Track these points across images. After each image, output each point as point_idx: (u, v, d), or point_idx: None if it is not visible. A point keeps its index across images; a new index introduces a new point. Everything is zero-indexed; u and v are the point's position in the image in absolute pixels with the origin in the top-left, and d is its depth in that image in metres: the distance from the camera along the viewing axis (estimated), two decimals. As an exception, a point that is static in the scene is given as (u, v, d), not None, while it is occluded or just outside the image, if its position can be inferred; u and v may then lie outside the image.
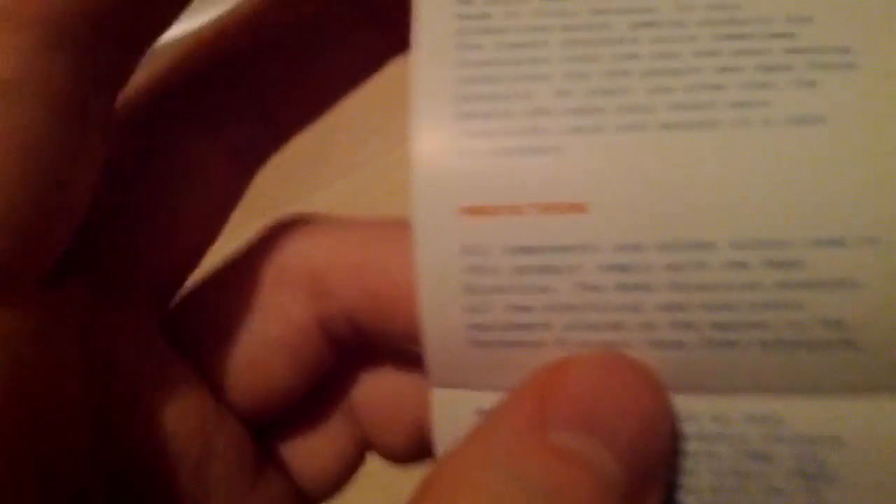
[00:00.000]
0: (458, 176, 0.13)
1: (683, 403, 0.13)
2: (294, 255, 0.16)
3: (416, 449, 0.17)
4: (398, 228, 0.15)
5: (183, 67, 0.16)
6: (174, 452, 0.15)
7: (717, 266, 0.13)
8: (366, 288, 0.15)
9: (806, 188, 0.12)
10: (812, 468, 0.13)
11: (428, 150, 0.13)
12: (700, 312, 0.13)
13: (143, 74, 0.15)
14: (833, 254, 0.12)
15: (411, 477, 0.14)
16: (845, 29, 0.13)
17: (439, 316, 0.13)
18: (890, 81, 0.12)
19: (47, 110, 0.12)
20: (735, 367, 0.13)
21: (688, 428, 0.13)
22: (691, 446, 0.13)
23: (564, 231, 0.13)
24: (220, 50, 0.16)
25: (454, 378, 0.14)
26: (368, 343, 0.16)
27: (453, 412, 0.14)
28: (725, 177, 0.12)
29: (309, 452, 0.17)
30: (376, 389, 0.17)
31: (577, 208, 0.13)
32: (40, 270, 0.13)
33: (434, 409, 0.14)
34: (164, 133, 0.15)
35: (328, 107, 0.17)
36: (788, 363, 0.13)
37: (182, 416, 0.15)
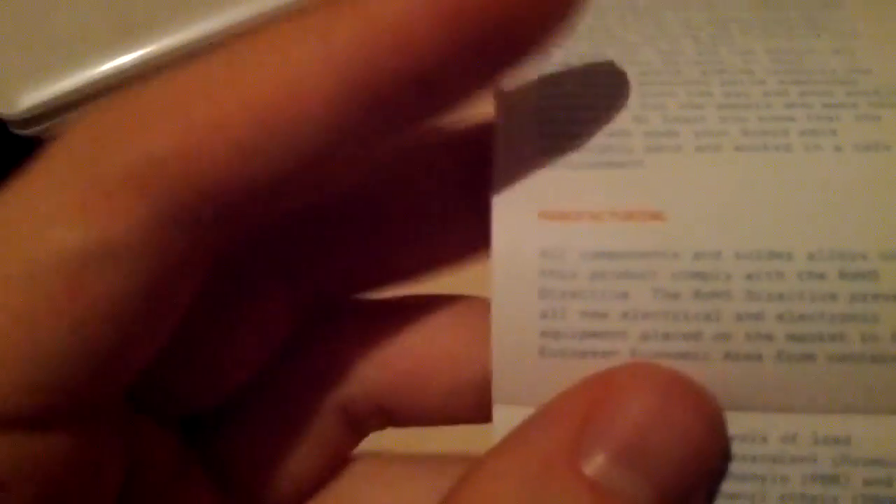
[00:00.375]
0: (538, 181, 0.13)
1: (754, 423, 0.13)
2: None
3: None
4: (414, 305, 0.16)
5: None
6: None
7: (793, 276, 0.13)
8: (394, 372, 0.15)
9: (877, 204, 0.13)
10: (884, 492, 0.13)
11: (509, 158, 0.13)
12: (776, 324, 0.13)
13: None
14: None
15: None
16: None
17: (511, 322, 0.13)
18: None
19: (144, 283, 0.12)
20: (809, 383, 0.13)
21: (757, 450, 0.13)
22: (760, 469, 0.13)
23: (643, 237, 0.13)
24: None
25: (519, 392, 0.13)
26: (393, 422, 0.16)
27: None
28: (800, 191, 0.13)
29: None
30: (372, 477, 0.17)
31: (656, 217, 0.13)
32: (92, 405, 0.13)
33: (496, 426, 0.14)
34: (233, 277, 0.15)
35: (407, 280, 0.16)
36: (863, 379, 0.13)
37: None
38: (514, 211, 0.13)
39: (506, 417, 0.13)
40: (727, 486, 0.13)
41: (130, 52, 0.34)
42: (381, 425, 0.16)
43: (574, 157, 0.13)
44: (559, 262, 0.13)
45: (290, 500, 0.16)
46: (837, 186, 0.13)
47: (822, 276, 0.13)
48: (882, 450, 0.13)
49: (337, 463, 0.16)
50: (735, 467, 0.13)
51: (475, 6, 0.11)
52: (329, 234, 0.16)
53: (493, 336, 0.13)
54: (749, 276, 0.13)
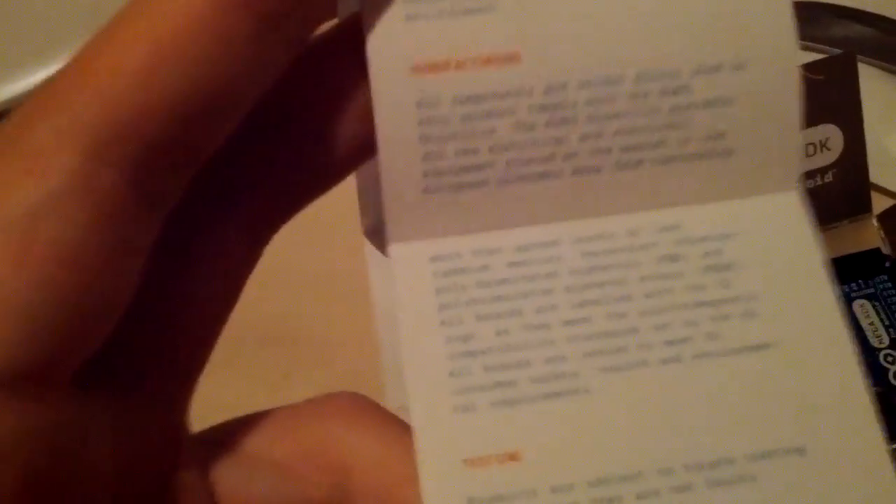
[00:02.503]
0: (405, 37, 0.15)
1: (602, 225, 0.16)
2: (335, 440, 0.16)
3: None
4: None
5: None
6: None
7: (624, 97, 0.15)
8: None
9: (684, 23, 0.15)
10: (716, 261, 0.16)
11: (375, 18, 0.15)
12: (612, 139, 0.15)
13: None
14: (712, 78, 0.15)
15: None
16: None
17: (397, 167, 0.15)
18: None
19: (90, 222, 0.13)
20: (642, 185, 0.16)
21: (611, 244, 0.16)
22: (615, 259, 0.16)
23: (502, 79, 0.15)
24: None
25: (409, 229, 0.16)
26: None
27: (410, 262, 0.16)
28: (623, 16, 0.15)
29: None
30: None
31: (512, 58, 0.15)
32: (74, 369, 0.13)
33: (393, 262, 0.16)
34: (177, 218, 0.15)
35: (341, 178, 0.16)
36: (683, 175, 0.16)
37: None
38: (389, 69, 0.15)
39: (400, 253, 0.16)
40: (593, 278, 0.16)
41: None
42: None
43: (434, 7, 0.15)
44: (434, 110, 0.15)
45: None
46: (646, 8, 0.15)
47: (646, 95, 0.15)
48: (707, 229, 0.16)
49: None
50: (596, 261, 0.16)
51: None
52: (260, 147, 0.16)
53: (383, 183, 0.15)
54: (589, 102, 0.15)
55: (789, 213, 0.16)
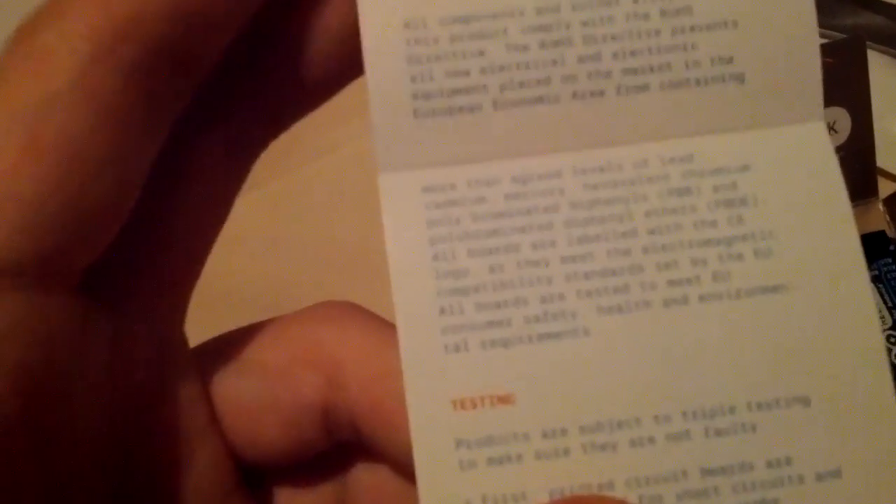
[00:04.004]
0: None
1: (608, 155, 0.15)
2: (326, 341, 0.16)
3: None
4: None
5: None
6: (159, 450, 0.16)
7: (622, 18, 0.15)
8: (373, 401, 0.16)
9: None
10: (730, 195, 0.15)
11: None
12: (612, 61, 0.15)
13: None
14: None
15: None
16: None
17: (386, 90, 0.15)
18: None
19: (94, 120, 0.13)
20: (648, 112, 0.15)
21: (615, 176, 0.15)
22: (621, 192, 0.15)
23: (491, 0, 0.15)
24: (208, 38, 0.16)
25: (400, 157, 0.15)
26: (366, 445, 0.17)
27: (400, 193, 0.15)
28: None
29: None
30: (371, 483, 0.17)
31: None
32: (81, 266, 0.14)
33: (382, 193, 0.15)
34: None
35: (327, 96, 0.16)
36: (693, 102, 0.15)
37: (176, 419, 0.16)
38: None
39: (390, 183, 0.15)
40: (595, 212, 0.15)
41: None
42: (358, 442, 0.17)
43: None
44: (422, 31, 0.15)
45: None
46: None
47: (646, 16, 0.15)
48: (721, 160, 0.15)
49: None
50: (599, 194, 0.15)
51: None
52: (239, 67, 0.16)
53: (371, 106, 0.15)
54: (584, 23, 0.15)
55: (812, 145, 0.15)
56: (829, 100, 0.46)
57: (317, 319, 0.16)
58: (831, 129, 0.41)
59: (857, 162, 0.42)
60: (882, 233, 0.41)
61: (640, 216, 0.15)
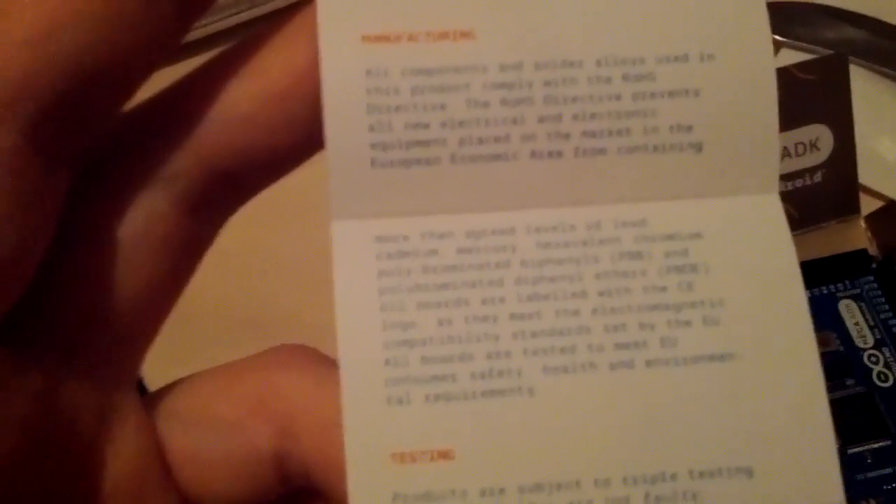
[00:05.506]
0: (358, 6, 0.14)
1: (562, 216, 0.15)
2: (278, 389, 0.16)
3: None
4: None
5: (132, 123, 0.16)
6: None
7: (584, 81, 0.15)
8: (323, 450, 0.15)
9: (651, 9, 0.15)
10: (681, 262, 0.15)
11: None
12: (572, 123, 0.15)
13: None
14: (678, 68, 0.15)
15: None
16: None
17: (343, 137, 0.14)
18: None
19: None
20: (604, 175, 0.15)
21: (568, 237, 0.15)
22: (572, 252, 0.15)
23: (455, 54, 0.14)
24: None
25: (355, 206, 0.15)
26: (320, 493, 0.16)
27: (353, 241, 0.15)
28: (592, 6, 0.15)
29: None
30: None
31: (466, 35, 0.14)
32: None
33: (334, 241, 0.15)
34: (108, 189, 0.15)
35: (291, 168, 0.16)
36: (650, 168, 0.15)
37: (126, 479, 0.15)
38: (339, 36, 0.14)
39: (343, 231, 0.15)
40: (546, 271, 0.15)
41: None
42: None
43: None
44: (383, 80, 0.14)
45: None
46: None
47: (608, 80, 0.15)
48: (674, 227, 0.15)
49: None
50: (551, 253, 0.15)
51: None
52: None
53: (328, 153, 0.15)
54: (547, 83, 0.15)
55: (765, 216, 0.15)
56: (812, 117, 0.46)
57: (269, 366, 0.16)
58: (813, 146, 0.41)
59: (839, 179, 0.42)
60: (864, 251, 0.41)
61: (590, 277, 0.15)
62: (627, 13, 0.15)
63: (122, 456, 0.16)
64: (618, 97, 0.15)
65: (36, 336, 0.15)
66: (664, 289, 0.15)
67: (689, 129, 0.15)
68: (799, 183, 0.42)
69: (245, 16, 0.45)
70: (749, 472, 0.14)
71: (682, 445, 0.14)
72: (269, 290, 0.39)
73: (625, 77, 0.15)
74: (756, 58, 0.15)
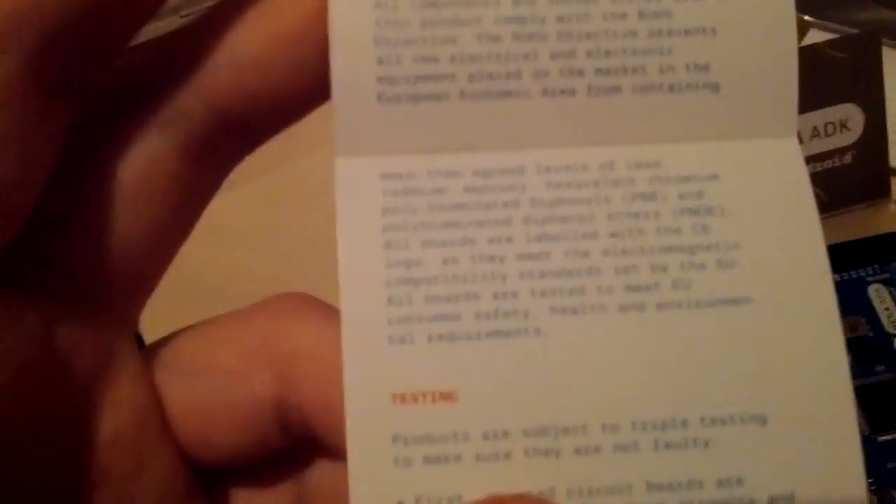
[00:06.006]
0: None
1: (574, 155, 0.15)
2: (279, 336, 0.16)
3: None
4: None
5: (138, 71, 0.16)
6: (105, 462, 0.15)
7: (599, 17, 0.14)
8: (324, 397, 0.15)
9: None
10: (695, 203, 0.15)
11: None
12: (586, 60, 0.14)
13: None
14: (695, 5, 0.14)
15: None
16: None
17: (350, 70, 0.14)
18: None
19: None
20: (618, 115, 0.15)
21: (579, 177, 0.15)
22: (584, 193, 0.15)
23: None
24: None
25: (360, 142, 0.15)
26: (322, 443, 0.16)
27: (357, 178, 0.15)
28: None
29: None
30: (330, 480, 0.17)
31: None
32: None
33: (338, 177, 0.15)
34: (108, 133, 0.15)
35: (297, 111, 0.16)
36: (665, 108, 0.15)
37: (124, 428, 0.15)
38: None
39: (347, 167, 0.15)
40: (556, 211, 0.15)
41: None
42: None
43: None
44: (392, 12, 0.14)
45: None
46: None
47: (623, 16, 0.14)
48: (689, 169, 0.15)
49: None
50: (562, 193, 0.15)
51: None
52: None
53: (333, 87, 0.14)
54: (560, 19, 0.14)
55: (784, 160, 0.15)
56: (842, 96, 0.45)
57: (270, 313, 0.16)
58: (843, 126, 0.40)
59: (869, 161, 0.41)
60: (894, 235, 0.40)
61: (601, 218, 0.15)
62: None
63: (120, 405, 0.15)
64: (633, 34, 0.14)
65: (34, 277, 0.15)
66: (678, 231, 0.15)
67: (706, 68, 0.14)
68: (828, 164, 0.41)
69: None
70: (762, 420, 0.14)
71: (694, 391, 0.14)
72: (275, 269, 0.39)
73: (640, 13, 0.14)
74: None
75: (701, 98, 0.15)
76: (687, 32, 0.14)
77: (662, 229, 0.15)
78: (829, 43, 0.39)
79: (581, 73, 0.14)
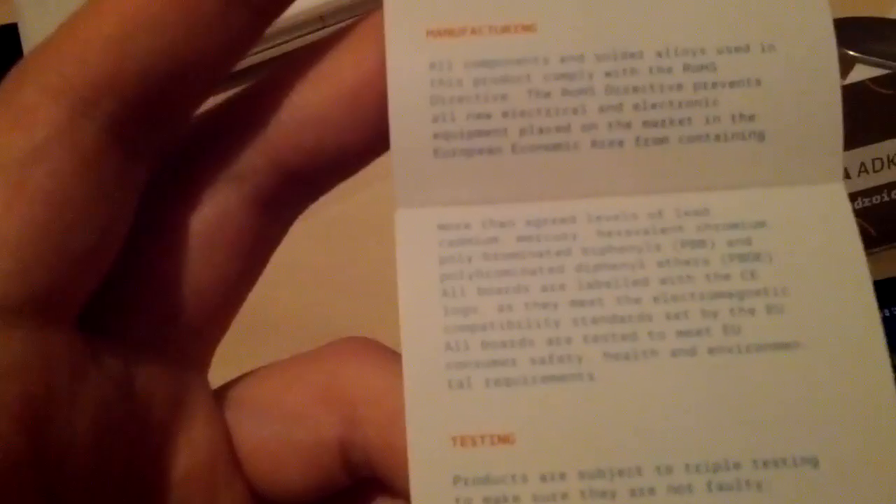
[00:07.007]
0: (424, 1, 0.15)
1: (623, 204, 0.15)
2: (343, 380, 0.16)
3: None
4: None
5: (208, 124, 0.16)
6: (180, 498, 0.16)
7: (645, 71, 0.15)
8: (387, 439, 0.16)
9: (711, 3, 0.15)
10: (744, 250, 0.15)
11: None
12: (633, 112, 0.15)
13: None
14: (739, 58, 0.15)
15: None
16: None
17: (407, 128, 0.15)
18: None
19: (75, 169, 0.14)
20: (666, 165, 0.15)
21: (630, 225, 0.15)
22: (634, 241, 0.15)
23: (518, 46, 0.15)
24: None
25: (418, 195, 0.15)
26: (384, 483, 0.17)
27: (416, 229, 0.15)
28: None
29: None
30: None
31: (528, 28, 0.15)
32: (76, 303, 0.14)
33: (398, 228, 0.15)
34: (181, 187, 0.16)
35: (358, 163, 0.17)
36: (712, 157, 0.15)
37: (198, 466, 0.16)
38: (405, 31, 0.15)
39: (406, 218, 0.15)
40: (608, 258, 0.15)
41: None
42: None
43: None
44: (446, 72, 0.15)
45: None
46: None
47: (669, 70, 0.15)
48: (737, 216, 0.15)
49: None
50: (612, 241, 0.15)
51: None
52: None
53: (392, 144, 0.15)
54: (608, 74, 0.15)
55: (830, 205, 0.15)
56: (889, 132, 0.45)
57: (334, 357, 0.17)
58: (891, 162, 0.40)
59: (917, 196, 0.41)
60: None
61: (652, 265, 0.15)
62: (688, 5, 0.15)
63: (193, 445, 0.16)
64: (679, 87, 0.15)
65: (114, 325, 0.15)
66: (727, 277, 0.15)
67: (752, 118, 0.15)
68: (876, 199, 0.41)
69: (298, 42, 0.45)
70: (815, 463, 0.14)
71: (746, 433, 0.14)
72: (333, 305, 0.40)
73: (686, 67, 0.15)
74: (818, 47, 0.15)
75: (747, 147, 0.15)
76: (732, 84, 0.15)
77: (712, 276, 0.15)
78: (874, 80, 0.39)
79: (629, 125, 0.15)
